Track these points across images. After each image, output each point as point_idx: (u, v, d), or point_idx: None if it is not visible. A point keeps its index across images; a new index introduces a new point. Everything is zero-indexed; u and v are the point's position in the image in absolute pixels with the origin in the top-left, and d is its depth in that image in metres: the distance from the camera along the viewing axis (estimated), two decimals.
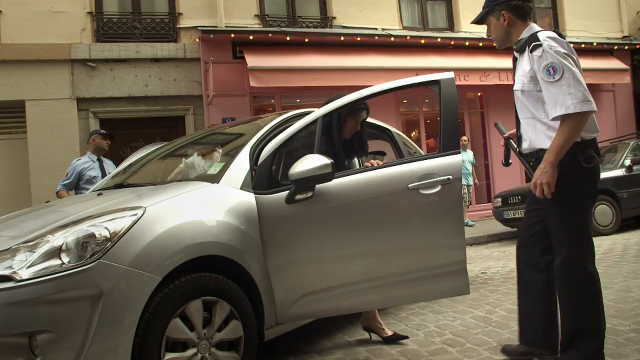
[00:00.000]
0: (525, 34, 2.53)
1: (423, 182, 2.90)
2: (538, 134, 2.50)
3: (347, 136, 3.49)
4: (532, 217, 2.71)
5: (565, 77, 2.28)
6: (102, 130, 5.96)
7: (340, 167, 3.27)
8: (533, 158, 2.58)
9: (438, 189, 2.90)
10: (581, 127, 2.31)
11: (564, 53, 2.34)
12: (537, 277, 2.65)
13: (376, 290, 2.95)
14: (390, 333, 3.38)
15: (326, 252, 2.92)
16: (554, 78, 2.30)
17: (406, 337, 3.38)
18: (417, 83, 3.26)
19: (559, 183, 2.37)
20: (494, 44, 2.76)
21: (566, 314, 2.53)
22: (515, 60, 2.65)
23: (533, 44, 2.40)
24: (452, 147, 3.04)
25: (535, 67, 2.40)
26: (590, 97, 2.29)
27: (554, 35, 2.43)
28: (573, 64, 2.33)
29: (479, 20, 2.73)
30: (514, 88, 2.60)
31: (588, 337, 2.45)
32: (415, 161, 3.05)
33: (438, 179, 2.90)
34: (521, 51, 2.54)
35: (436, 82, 3.12)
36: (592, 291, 2.47)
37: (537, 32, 2.47)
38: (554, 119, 2.34)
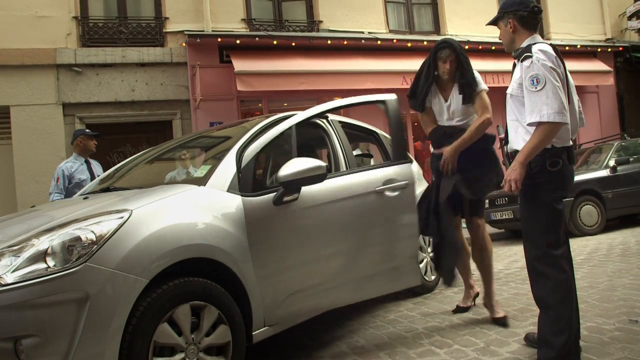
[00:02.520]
0: (525, 44, 2.70)
1: (387, 185, 3.35)
2: (517, 137, 2.70)
3: (446, 77, 3.67)
4: None
5: (546, 89, 2.48)
6: (87, 130, 5.60)
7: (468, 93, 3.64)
8: (513, 158, 2.75)
9: (398, 192, 3.38)
10: (553, 135, 2.51)
11: (550, 67, 2.52)
12: None
13: (350, 285, 3.24)
14: (498, 316, 3.58)
15: (308, 251, 3.09)
16: (536, 88, 2.50)
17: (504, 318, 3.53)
18: (367, 102, 3.75)
19: (528, 182, 2.60)
20: (504, 48, 2.94)
21: (539, 306, 2.66)
22: (514, 66, 2.82)
23: (525, 54, 2.60)
24: (404, 157, 3.66)
25: (522, 76, 2.59)
26: (564, 111, 2.48)
27: (547, 48, 2.60)
28: (557, 77, 2.52)
29: (493, 23, 2.94)
30: (507, 91, 2.78)
31: (559, 331, 2.53)
32: (377, 168, 3.50)
33: (398, 183, 3.40)
34: (517, 59, 2.71)
35: (382, 102, 3.72)
36: (562, 283, 2.57)
37: (534, 43, 2.64)
38: (530, 124, 2.54)
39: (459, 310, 3.94)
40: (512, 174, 2.56)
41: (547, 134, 2.49)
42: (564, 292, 2.57)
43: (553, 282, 2.57)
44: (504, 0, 2.88)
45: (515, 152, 2.69)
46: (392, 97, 3.77)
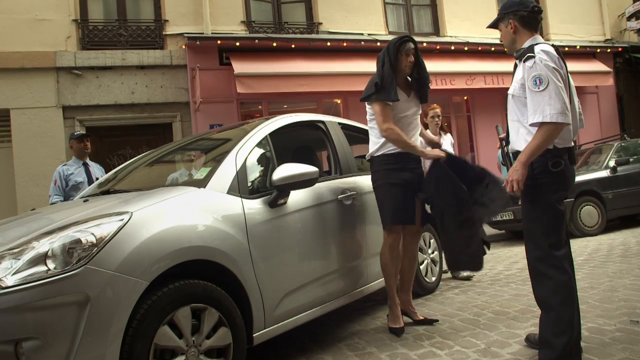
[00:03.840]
0: (526, 44, 2.70)
1: (344, 195, 3.69)
2: (519, 137, 2.70)
3: (407, 71, 3.68)
4: None
5: (549, 89, 2.47)
6: (76, 133, 5.66)
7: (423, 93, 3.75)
8: (514, 159, 2.75)
9: (351, 201, 3.74)
10: (555, 135, 2.51)
11: (553, 67, 2.52)
12: None
13: (333, 282, 3.48)
14: (421, 317, 3.77)
15: (299, 252, 3.22)
16: (539, 88, 2.49)
17: (436, 321, 3.72)
18: (309, 121, 3.97)
19: (530, 183, 2.59)
20: (505, 49, 2.94)
21: (540, 307, 2.66)
22: (516, 66, 2.82)
23: (527, 54, 2.59)
24: (352, 170, 4.02)
25: (525, 76, 2.58)
26: (567, 111, 2.48)
27: (549, 49, 2.60)
28: (559, 78, 2.51)
29: (493, 25, 2.94)
30: (508, 92, 2.78)
31: (560, 332, 2.53)
32: (336, 179, 3.81)
33: (349, 194, 3.74)
34: (519, 59, 2.71)
35: (322, 122, 3.94)
36: (563, 284, 2.57)
37: (536, 44, 2.64)
38: (532, 124, 2.53)
39: (396, 331, 3.58)
40: (514, 174, 2.55)
41: (549, 135, 2.49)
42: (566, 293, 2.57)
43: (555, 282, 2.57)
44: (504, 1, 2.88)
45: (517, 152, 2.68)
46: (330, 119, 4.22)
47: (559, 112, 2.45)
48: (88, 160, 5.50)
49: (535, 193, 2.63)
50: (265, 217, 2.97)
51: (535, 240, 2.64)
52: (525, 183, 2.57)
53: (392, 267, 3.68)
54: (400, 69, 3.62)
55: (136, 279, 2.22)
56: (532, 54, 2.56)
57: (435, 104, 5.64)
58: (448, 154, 3.66)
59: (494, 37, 11.61)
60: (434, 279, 4.83)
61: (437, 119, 5.61)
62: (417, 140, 3.79)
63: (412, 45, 3.61)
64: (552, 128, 2.47)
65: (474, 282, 5.09)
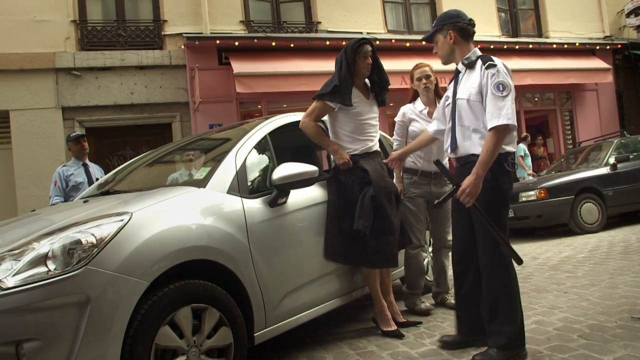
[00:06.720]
0: (472, 55, 2.89)
1: None
2: (473, 142, 2.83)
3: (366, 73, 3.67)
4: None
5: (510, 96, 2.69)
6: (72, 135, 5.69)
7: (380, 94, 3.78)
8: (463, 162, 2.89)
9: None
10: (504, 138, 2.69)
11: (511, 78, 2.76)
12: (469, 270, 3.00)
13: (333, 281, 3.46)
14: (404, 320, 3.71)
15: (299, 251, 3.23)
16: (502, 94, 2.68)
17: (420, 323, 3.71)
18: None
19: (492, 184, 2.74)
20: (441, 61, 3.06)
21: (488, 300, 2.80)
22: (457, 73, 2.96)
23: (488, 62, 2.77)
24: None
25: (485, 82, 2.75)
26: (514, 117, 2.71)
27: (501, 60, 2.83)
28: (512, 89, 2.74)
29: (428, 38, 3.06)
30: (459, 97, 2.89)
31: (507, 321, 2.70)
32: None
33: None
34: (470, 67, 2.87)
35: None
36: (510, 278, 2.76)
37: (485, 55, 2.86)
38: (494, 127, 2.66)
39: (394, 334, 3.48)
40: (473, 188, 2.65)
41: (500, 139, 2.65)
42: (514, 283, 2.77)
43: (506, 273, 2.76)
44: (440, 14, 3.04)
45: (470, 155, 2.82)
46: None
47: (512, 117, 2.64)
48: (88, 161, 5.52)
49: (497, 192, 2.77)
50: (265, 216, 2.98)
51: (493, 236, 2.73)
52: (488, 184, 2.70)
53: (373, 277, 3.60)
54: (358, 72, 3.61)
55: (137, 280, 2.22)
56: (494, 63, 2.75)
57: (422, 62, 4.34)
58: (354, 165, 3.55)
59: (492, 35, 11.64)
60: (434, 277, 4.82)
61: (425, 81, 4.17)
62: (376, 144, 3.74)
63: (369, 48, 3.61)
64: (505, 131, 2.66)
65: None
